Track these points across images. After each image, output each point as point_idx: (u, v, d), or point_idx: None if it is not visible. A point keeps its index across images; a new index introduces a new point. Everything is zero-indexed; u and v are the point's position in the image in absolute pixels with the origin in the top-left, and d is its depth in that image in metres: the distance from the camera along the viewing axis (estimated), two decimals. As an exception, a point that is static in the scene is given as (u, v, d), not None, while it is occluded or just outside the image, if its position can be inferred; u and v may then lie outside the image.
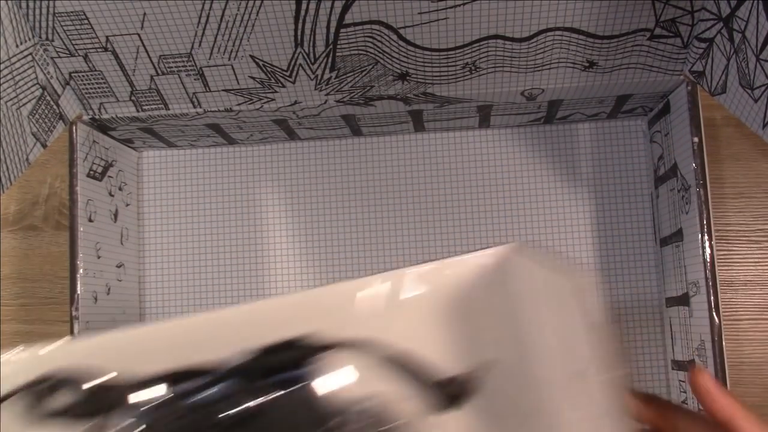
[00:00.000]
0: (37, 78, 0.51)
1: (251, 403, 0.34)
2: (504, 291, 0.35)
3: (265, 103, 0.55)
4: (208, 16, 0.48)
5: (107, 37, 0.49)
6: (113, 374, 0.34)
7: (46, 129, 0.53)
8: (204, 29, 0.49)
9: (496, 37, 0.49)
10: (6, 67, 0.48)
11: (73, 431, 0.34)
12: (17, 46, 0.48)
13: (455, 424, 0.35)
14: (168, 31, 0.49)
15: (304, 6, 0.47)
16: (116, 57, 0.51)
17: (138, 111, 0.55)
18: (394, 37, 0.49)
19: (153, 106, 0.55)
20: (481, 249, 0.35)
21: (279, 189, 0.64)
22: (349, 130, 0.61)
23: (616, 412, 0.32)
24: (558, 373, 0.34)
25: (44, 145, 0.53)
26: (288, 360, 0.35)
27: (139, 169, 0.65)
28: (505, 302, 0.35)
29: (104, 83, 0.53)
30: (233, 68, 0.52)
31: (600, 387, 0.32)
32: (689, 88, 0.52)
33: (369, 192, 0.63)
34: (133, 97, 0.54)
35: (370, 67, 0.52)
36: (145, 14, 0.48)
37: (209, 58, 0.51)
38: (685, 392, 0.55)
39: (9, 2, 0.47)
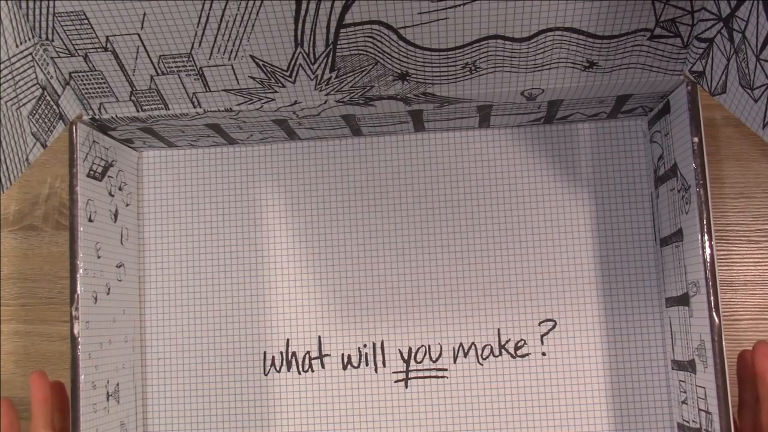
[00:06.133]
0: (37, 78, 0.51)
1: None
2: None
3: (265, 103, 0.55)
4: (208, 16, 0.48)
5: (107, 37, 0.49)
6: None
7: (46, 129, 0.53)
8: (204, 29, 0.49)
9: (496, 37, 0.49)
10: (6, 67, 0.48)
11: None
12: (17, 46, 0.48)
13: None
14: (168, 31, 0.49)
15: (304, 6, 0.47)
16: (116, 57, 0.51)
17: (138, 111, 0.55)
18: (394, 37, 0.49)
19: (153, 106, 0.55)
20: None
21: (279, 189, 0.64)
22: (349, 130, 0.61)
23: None
24: None
25: (44, 145, 0.53)
26: None
27: (139, 169, 0.65)
28: None
29: (104, 83, 0.53)
30: (233, 68, 0.52)
31: None
32: (689, 88, 0.52)
33: (369, 192, 0.63)
34: (133, 97, 0.54)
35: (370, 67, 0.52)
36: (145, 14, 0.48)
37: (209, 58, 0.51)
38: (685, 392, 0.55)
39: (9, 2, 0.47)
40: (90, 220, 0.56)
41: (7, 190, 0.51)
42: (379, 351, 0.61)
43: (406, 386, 0.61)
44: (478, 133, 0.63)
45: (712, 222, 0.51)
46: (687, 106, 0.52)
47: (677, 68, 0.52)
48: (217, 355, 0.62)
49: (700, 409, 0.52)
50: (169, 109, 0.55)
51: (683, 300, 0.54)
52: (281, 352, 0.62)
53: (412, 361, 0.61)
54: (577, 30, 0.49)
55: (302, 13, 0.47)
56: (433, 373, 0.61)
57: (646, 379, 0.59)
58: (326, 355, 0.62)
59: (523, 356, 0.61)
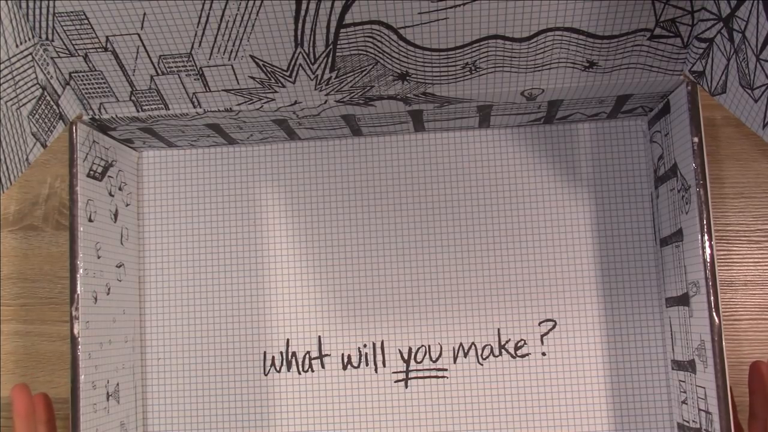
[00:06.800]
0: (37, 78, 0.51)
1: None
2: None
3: (265, 103, 0.55)
4: (208, 16, 0.48)
5: (107, 37, 0.49)
6: None
7: (46, 129, 0.53)
8: (204, 29, 0.49)
9: (496, 37, 0.49)
10: (6, 67, 0.48)
11: None
12: (17, 46, 0.48)
13: None
14: (168, 31, 0.49)
15: (304, 6, 0.47)
16: (116, 57, 0.51)
17: (138, 111, 0.55)
18: (394, 37, 0.49)
19: (153, 106, 0.55)
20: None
21: (279, 189, 0.64)
22: (349, 130, 0.61)
23: None
24: None
25: (44, 145, 0.53)
26: None
27: (139, 169, 0.65)
28: None
29: (104, 83, 0.53)
30: (233, 68, 0.52)
31: None
32: (689, 88, 0.52)
33: (369, 192, 0.63)
34: (133, 97, 0.54)
35: (370, 67, 0.52)
36: (145, 14, 0.48)
37: (209, 58, 0.51)
38: (685, 392, 0.55)
39: (9, 2, 0.47)
40: (90, 220, 0.56)
41: (7, 190, 0.51)
42: (379, 351, 0.61)
43: (406, 386, 0.61)
44: (478, 133, 0.63)
45: (712, 222, 0.51)
46: (687, 106, 0.52)
47: (677, 68, 0.52)
48: (217, 355, 0.62)
49: (700, 409, 0.52)
50: (169, 109, 0.55)
51: (683, 300, 0.54)
52: (281, 352, 0.62)
53: (412, 361, 0.61)
54: (577, 30, 0.49)
55: (302, 13, 0.47)
56: (433, 373, 0.61)
57: (646, 379, 0.59)
58: (326, 355, 0.62)
59: (523, 356, 0.61)
